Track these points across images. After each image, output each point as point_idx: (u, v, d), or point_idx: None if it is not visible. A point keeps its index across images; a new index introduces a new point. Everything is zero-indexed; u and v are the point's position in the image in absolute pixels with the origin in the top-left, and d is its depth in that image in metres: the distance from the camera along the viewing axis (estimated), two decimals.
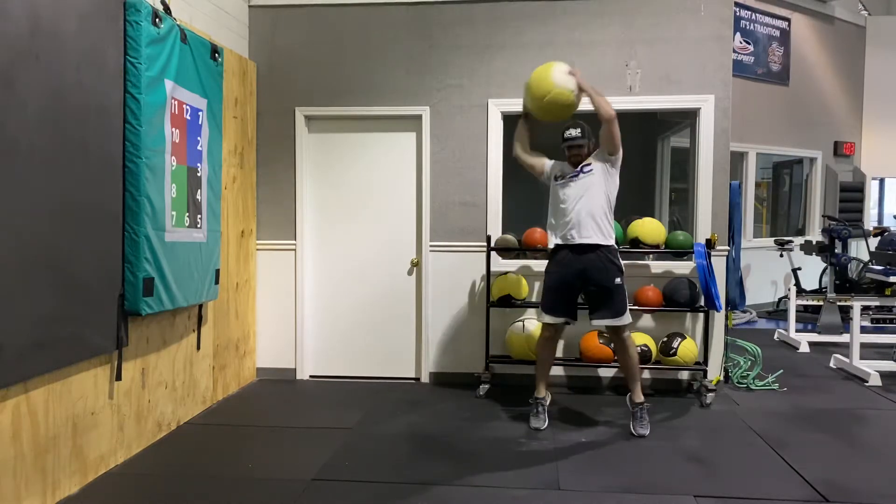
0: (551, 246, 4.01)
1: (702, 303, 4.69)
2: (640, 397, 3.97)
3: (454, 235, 5.03)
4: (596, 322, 3.98)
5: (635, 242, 4.72)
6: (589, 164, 3.93)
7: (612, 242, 3.93)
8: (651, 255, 5.02)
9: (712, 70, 4.83)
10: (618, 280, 3.89)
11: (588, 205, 3.86)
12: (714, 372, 4.81)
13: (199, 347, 4.25)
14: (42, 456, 2.87)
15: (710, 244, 4.67)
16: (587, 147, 3.97)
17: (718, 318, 4.84)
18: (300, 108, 5.10)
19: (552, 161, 4.14)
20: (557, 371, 4.97)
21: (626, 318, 3.93)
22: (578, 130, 3.94)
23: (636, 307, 4.72)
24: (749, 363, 5.22)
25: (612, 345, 4.42)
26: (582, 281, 3.91)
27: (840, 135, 9.37)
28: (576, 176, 3.93)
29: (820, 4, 8.97)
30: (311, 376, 5.24)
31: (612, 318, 3.89)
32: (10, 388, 2.65)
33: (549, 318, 4.01)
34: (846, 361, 5.44)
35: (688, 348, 4.58)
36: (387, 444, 3.76)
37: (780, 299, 8.40)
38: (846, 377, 5.28)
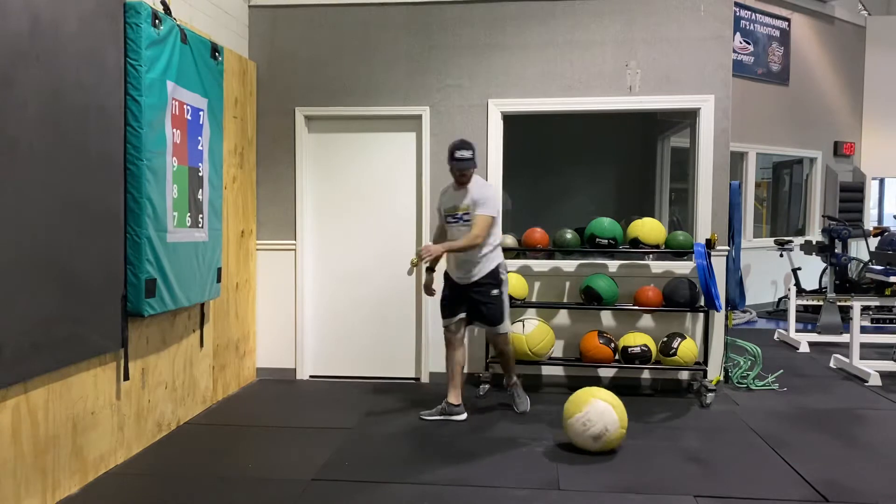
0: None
1: (702, 303, 4.69)
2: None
3: None
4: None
5: (635, 242, 4.72)
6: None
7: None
8: (651, 255, 5.02)
9: (712, 70, 4.83)
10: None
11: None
12: (714, 372, 4.81)
13: (202, 345, 4.25)
14: (42, 456, 2.87)
15: (710, 244, 4.67)
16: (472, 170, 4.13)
17: (718, 319, 4.84)
18: (300, 108, 5.10)
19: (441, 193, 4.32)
20: (557, 371, 4.98)
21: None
22: (469, 152, 4.07)
23: (636, 307, 4.73)
24: (749, 363, 5.22)
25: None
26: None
27: (840, 135, 9.37)
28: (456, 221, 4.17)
29: (820, 4, 8.97)
30: (311, 376, 5.24)
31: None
32: (10, 388, 2.65)
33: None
34: (846, 361, 5.44)
35: (688, 348, 4.58)
36: (387, 444, 3.76)
37: (780, 299, 8.40)
38: (846, 377, 5.28)
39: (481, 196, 4.08)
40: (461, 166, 4.04)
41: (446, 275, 4.26)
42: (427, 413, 4.20)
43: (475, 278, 4.13)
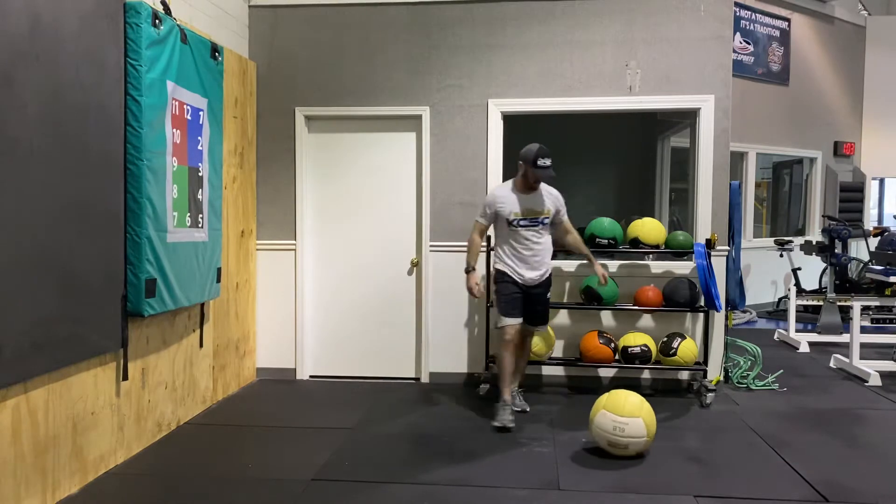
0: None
1: (702, 303, 4.69)
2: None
3: (454, 235, 5.03)
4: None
5: (635, 242, 4.73)
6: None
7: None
8: (651, 255, 5.02)
9: (712, 70, 4.83)
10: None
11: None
12: (714, 372, 4.81)
13: (201, 345, 4.25)
14: (42, 456, 2.87)
15: (710, 244, 4.67)
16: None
17: (718, 318, 4.84)
18: (300, 108, 5.10)
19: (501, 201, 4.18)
20: (557, 371, 4.98)
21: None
22: (550, 159, 4.06)
23: (636, 307, 4.73)
24: (749, 363, 5.22)
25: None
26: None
27: (840, 135, 9.37)
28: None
29: (820, 4, 8.97)
30: (311, 376, 5.24)
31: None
32: (10, 388, 2.65)
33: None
34: (846, 361, 5.44)
35: (688, 348, 4.58)
36: (387, 444, 3.76)
37: (780, 299, 8.40)
38: (846, 377, 5.28)
39: (560, 200, 4.24)
40: (545, 175, 4.02)
41: (506, 275, 4.15)
42: (499, 420, 4.03)
43: (544, 278, 4.19)
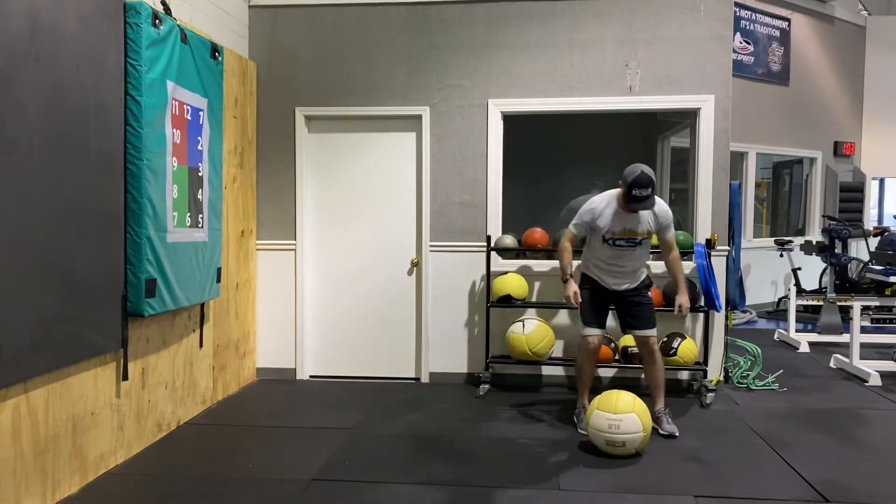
0: None
1: (702, 303, 4.69)
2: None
3: (454, 235, 5.03)
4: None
5: None
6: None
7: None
8: (651, 256, 5.01)
9: (712, 70, 4.84)
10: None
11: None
12: (714, 372, 4.81)
13: (201, 345, 4.25)
14: (42, 456, 2.87)
15: (710, 244, 4.67)
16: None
17: (718, 318, 4.84)
18: (300, 108, 5.11)
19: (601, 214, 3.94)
20: (557, 371, 4.98)
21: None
22: (649, 189, 3.71)
23: None
24: (749, 363, 5.22)
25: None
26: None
27: (840, 135, 9.37)
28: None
29: (820, 4, 8.97)
30: (311, 376, 5.24)
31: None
32: (10, 388, 2.65)
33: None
34: (846, 361, 5.44)
35: (688, 348, 4.58)
36: (387, 444, 3.76)
37: (780, 299, 8.40)
38: (846, 377, 5.28)
39: (665, 217, 3.89)
40: (640, 207, 3.75)
41: (591, 280, 4.03)
42: (581, 428, 3.95)
43: (635, 285, 3.99)
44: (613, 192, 3.93)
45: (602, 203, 3.92)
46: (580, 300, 3.95)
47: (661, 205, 3.90)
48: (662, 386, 4.05)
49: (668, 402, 4.14)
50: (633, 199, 3.71)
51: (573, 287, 3.93)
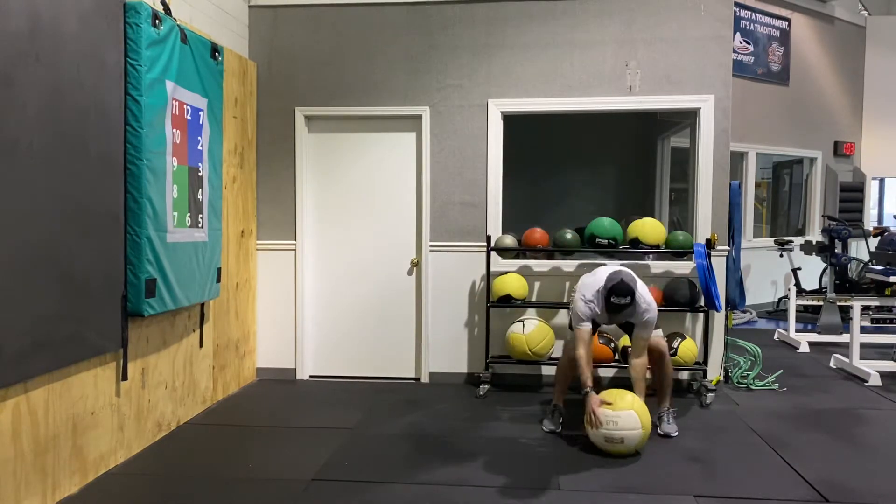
0: None
1: (702, 303, 4.69)
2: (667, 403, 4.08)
3: (454, 235, 5.04)
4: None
5: (635, 242, 4.72)
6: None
7: None
8: (651, 255, 5.02)
9: (712, 70, 4.84)
10: None
11: None
12: (714, 372, 4.81)
13: (201, 345, 4.25)
14: (42, 456, 2.87)
15: (710, 244, 4.67)
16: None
17: (718, 318, 4.84)
18: (300, 108, 5.11)
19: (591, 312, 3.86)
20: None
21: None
22: (628, 297, 3.66)
23: None
24: (749, 363, 5.22)
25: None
26: None
27: (840, 135, 9.37)
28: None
29: (820, 4, 8.97)
30: (311, 376, 5.24)
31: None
32: (10, 388, 2.65)
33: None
34: (846, 361, 5.44)
35: (688, 348, 4.58)
36: (387, 444, 3.76)
37: (780, 299, 8.40)
38: (846, 377, 5.28)
39: (649, 316, 3.79)
40: (621, 316, 3.78)
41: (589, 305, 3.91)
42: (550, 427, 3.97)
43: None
44: (601, 287, 3.78)
45: (592, 298, 3.80)
46: (602, 422, 3.55)
47: (648, 304, 3.78)
48: (668, 386, 4.06)
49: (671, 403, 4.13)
50: (611, 308, 3.70)
51: (596, 400, 3.60)
